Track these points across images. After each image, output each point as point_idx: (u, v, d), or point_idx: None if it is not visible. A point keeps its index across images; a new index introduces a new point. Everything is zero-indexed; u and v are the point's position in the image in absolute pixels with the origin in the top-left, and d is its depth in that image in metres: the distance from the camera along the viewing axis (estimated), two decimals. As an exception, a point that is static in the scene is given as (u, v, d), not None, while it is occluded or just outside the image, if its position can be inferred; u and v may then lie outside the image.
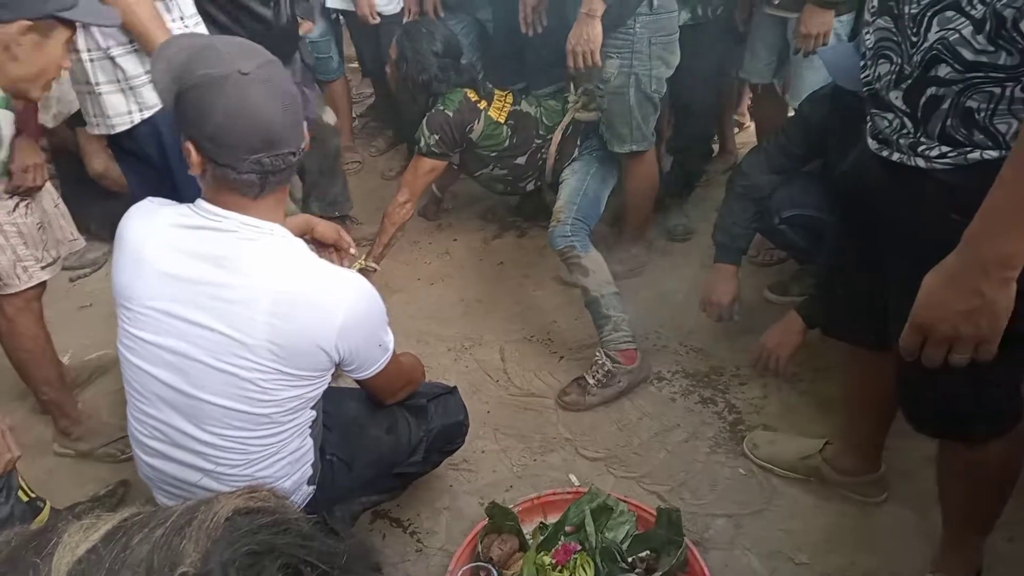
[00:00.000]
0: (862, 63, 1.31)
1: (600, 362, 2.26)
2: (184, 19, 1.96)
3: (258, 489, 0.50)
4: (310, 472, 1.51)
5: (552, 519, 1.75)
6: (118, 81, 1.90)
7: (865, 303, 1.49)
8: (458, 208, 3.38)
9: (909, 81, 1.18)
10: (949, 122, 1.15)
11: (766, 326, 2.24)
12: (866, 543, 1.79)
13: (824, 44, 2.38)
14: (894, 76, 1.20)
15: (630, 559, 1.65)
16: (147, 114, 1.93)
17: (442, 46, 2.64)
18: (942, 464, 1.51)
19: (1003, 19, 1.04)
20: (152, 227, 1.33)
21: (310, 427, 1.47)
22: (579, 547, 1.63)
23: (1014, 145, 1.00)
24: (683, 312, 2.60)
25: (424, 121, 2.63)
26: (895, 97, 1.21)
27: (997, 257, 1.00)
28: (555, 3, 2.67)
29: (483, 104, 2.65)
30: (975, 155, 1.14)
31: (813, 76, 2.39)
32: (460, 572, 1.65)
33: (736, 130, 3.58)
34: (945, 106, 1.14)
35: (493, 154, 2.70)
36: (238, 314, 1.26)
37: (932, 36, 1.12)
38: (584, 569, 1.59)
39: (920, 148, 1.20)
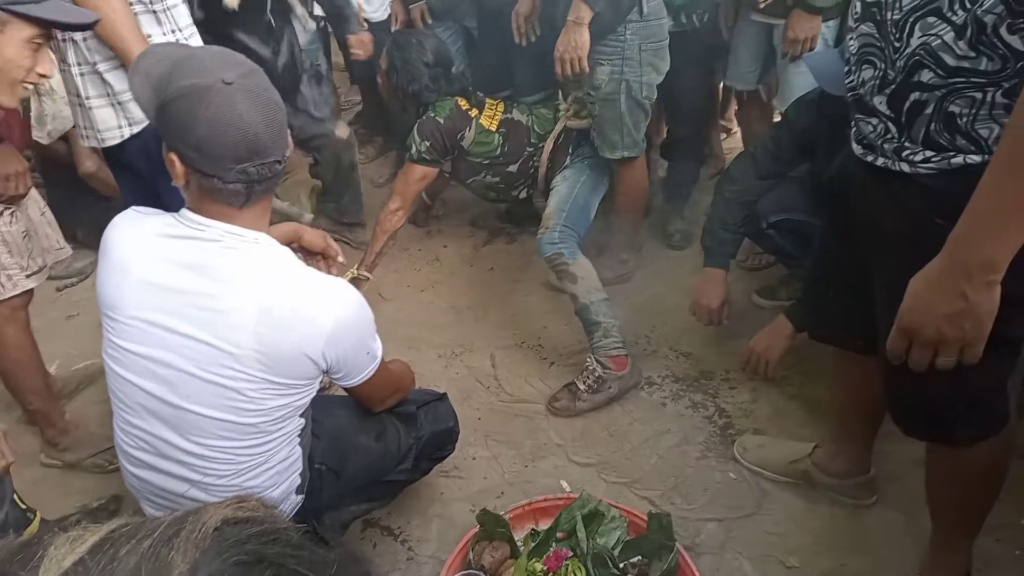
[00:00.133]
0: (846, 68, 1.32)
1: (591, 368, 2.26)
2: (176, 32, 1.93)
3: (247, 499, 0.50)
4: (299, 481, 1.50)
5: (543, 525, 1.75)
6: (108, 96, 1.88)
7: (852, 307, 1.50)
8: (448, 215, 3.38)
9: (893, 86, 1.19)
10: (933, 127, 1.16)
11: (755, 330, 2.25)
12: (856, 546, 1.80)
13: (811, 49, 2.40)
14: (878, 81, 1.22)
15: (622, 564, 1.65)
16: (136, 129, 1.91)
17: (432, 56, 2.65)
18: (930, 467, 1.52)
19: (983, 25, 1.05)
20: (137, 237, 1.32)
21: (298, 436, 1.46)
22: (570, 553, 1.63)
23: (996, 149, 1.01)
24: (673, 317, 2.60)
25: (415, 128, 2.63)
26: (879, 102, 1.22)
27: (980, 261, 1.01)
28: (543, 11, 2.69)
29: (474, 112, 2.66)
30: (958, 160, 1.15)
31: (801, 81, 2.41)
32: (451, 580, 1.64)
33: (723, 136, 3.60)
34: (928, 111, 1.15)
35: (485, 162, 2.70)
36: (223, 324, 1.25)
37: (915, 42, 1.13)
38: (576, 575, 1.59)
39: (904, 153, 1.21)
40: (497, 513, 1.74)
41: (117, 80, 1.86)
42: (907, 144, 1.20)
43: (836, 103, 1.88)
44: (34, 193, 2.08)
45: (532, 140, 2.69)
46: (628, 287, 2.81)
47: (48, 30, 1.56)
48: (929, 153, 1.18)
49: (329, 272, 1.69)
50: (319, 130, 2.94)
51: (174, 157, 1.23)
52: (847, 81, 1.31)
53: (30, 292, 1.99)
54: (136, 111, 1.89)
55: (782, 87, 2.64)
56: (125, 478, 1.49)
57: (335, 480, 1.60)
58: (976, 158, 1.13)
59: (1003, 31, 1.05)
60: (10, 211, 1.91)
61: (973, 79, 1.09)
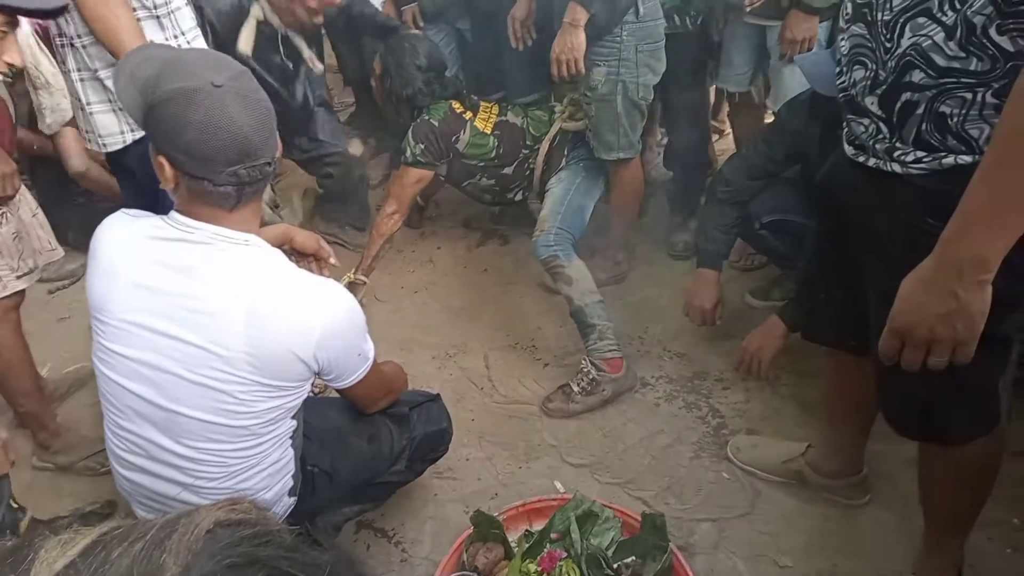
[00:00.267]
0: (838, 69, 1.32)
1: (585, 370, 2.26)
2: (180, 36, 1.91)
3: (239, 501, 0.50)
4: (291, 483, 1.50)
5: (538, 526, 1.75)
6: (110, 101, 1.86)
7: (845, 307, 1.50)
8: (441, 216, 3.38)
9: (884, 87, 1.19)
10: (924, 127, 1.16)
11: (748, 330, 2.26)
12: (849, 545, 1.80)
13: (810, 50, 2.40)
14: (869, 82, 1.22)
15: (615, 565, 1.65)
16: (139, 135, 1.89)
17: (426, 60, 2.65)
18: (923, 466, 1.53)
19: (973, 26, 1.06)
20: (126, 239, 1.32)
21: (290, 438, 1.46)
22: (564, 554, 1.63)
23: (986, 150, 1.01)
24: (666, 317, 2.61)
25: (410, 131, 2.64)
26: (870, 103, 1.23)
27: (971, 260, 1.01)
28: (538, 13, 2.69)
29: (468, 115, 2.66)
30: (949, 160, 1.15)
31: (794, 82, 2.41)
32: (446, 581, 1.64)
33: (715, 137, 3.61)
34: (920, 111, 1.16)
35: (480, 164, 2.70)
36: (213, 326, 1.25)
37: (905, 42, 1.14)
38: (570, 576, 1.59)
39: (896, 153, 1.21)
40: (491, 514, 1.74)
41: None
42: (898, 144, 1.21)
43: (828, 104, 1.89)
44: (26, 194, 2.07)
45: (527, 142, 2.69)
46: (622, 288, 2.81)
47: (12, 16, 1.53)
48: (920, 153, 1.18)
49: (321, 274, 1.69)
50: (335, 149, 3.04)
51: (163, 160, 1.22)
52: (838, 82, 1.31)
53: (21, 294, 1.98)
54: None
55: (775, 88, 2.65)
56: (116, 481, 1.49)
57: (328, 482, 1.59)
58: (967, 158, 1.13)
59: (992, 32, 1.05)
60: (0, 212, 1.90)
61: (963, 79, 1.10)
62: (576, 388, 2.25)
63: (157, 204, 1.57)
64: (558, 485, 2.02)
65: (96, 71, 1.83)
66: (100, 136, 1.91)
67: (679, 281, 2.74)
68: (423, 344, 2.61)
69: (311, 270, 1.70)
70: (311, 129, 2.98)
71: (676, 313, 2.46)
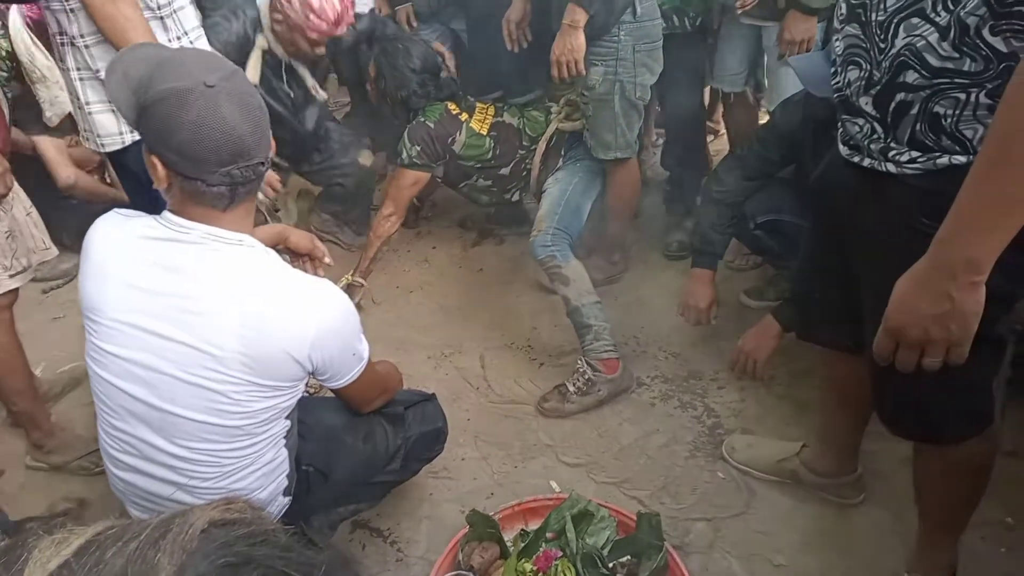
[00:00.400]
0: (832, 69, 1.33)
1: (581, 370, 2.26)
2: (183, 36, 1.91)
3: (234, 500, 0.50)
4: (285, 483, 1.50)
5: (533, 526, 1.75)
6: (108, 102, 1.86)
7: (839, 307, 1.51)
8: (437, 216, 3.38)
9: (878, 87, 1.20)
10: (918, 127, 1.17)
11: (743, 330, 2.26)
12: (843, 544, 1.81)
13: (808, 50, 2.40)
14: (863, 82, 1.22)
15: (611, 564, 1.65)
16: (138, 136, 1.89)
17: (420, 62, 2.65)
18: (917, 465, 1.53)
19: (966, 27, 1.06)
20: (118, 239, 1.31)
21: (284, 437, 1.45)
22: (560, 553, 1.63)
23: (979, 150, 1.02)
24: (661, 317, 2.61)
25: (405, 133, 2.64)
26: (865, 103, 1.23)
27: (964, 262, 1.02)
28: (533, 14, 2.69)
29: (464, 116, 2.66)
30: (944, 160, 1.16)
31: (793, 82, 2.41)
32: (441, 581, 1.64)
33: (710, 138, 3.62)
34: (914, 111, 1.16)
35: (477, 166, 2.71)
36: (206, 326, 1.25)
37: (899, 42, 1.14)
38: (565, 575, 1.59)
39: (890, 153, 1.22)
40: (486, 514, 1.74)
41: None
42: (893, 144, 1.21)
43: (822, 105, 1.89)
44: (20, 193, 2.06)
45: (524, 143, 2.69)
46: (617, 288, 2.81)
47: None
48: (915, 153, 1.18)
49: (316, 274, 1.69)
50: (346, 161, 3.08)
51: (155, 160, 1.22)
52: (833, 82, 1.32)
53: (14, 292, 1.97)
54: None
55: (772, 88, 2.65)
56: (110, 481, 1.48)
57: (323, 481, 1.59)
58: (961, 158, 1.14)
59: (986, 32, 1.06)
60: (-7, 211, 1.90)
61: (957, 80, 1.10)
62: (572, 388, 2.25)
63: (158, 203, 1.57)
64: (554, 485, 2.03)
65: (97, 71, 1.82)
66: (99, 136, 1.90)
67: (674, 281, 2.75)
68: (419, 344, 2.60)
69: (306, 270, 1.70)
70: (322, 146, 3.03)
71: (671, 313, 2.47)
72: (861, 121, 1.25)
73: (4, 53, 2.62)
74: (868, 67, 1.21)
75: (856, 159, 1.29)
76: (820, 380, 1.91)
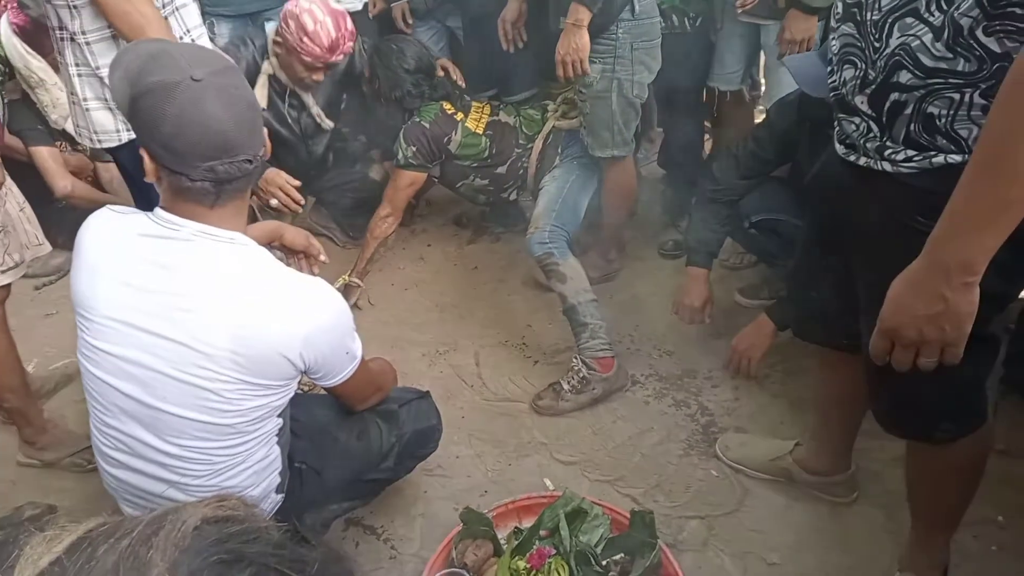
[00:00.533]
0: (829, 68, 1.33)
1: (576, 368, 2.26)
2: (186, 34, 1.90)
3: (227, 497, 0.50)
4: (278, 480, 1.49)
5: (527, 523, 1.75)
6: (105, 99, 1.86)
7: (836, 306, 1.51)
8: (432, 214, 3.37)
9: (873, 86, 1.20)
10: (913, 127, 1.17)
11: (737, 329, 2.27)
12: (836, 543, 1.81)
13: (809, 49, 2.41)
14: (858, 81, 1.23)
15: (604, 562, 1.65)
16: (133, 134, 1.89)
17: (414, 62, 2.65)
18: (910, 464, 1.54)
19: (960, 27, 1.06)
20: (110, 236, 1.31)
21: (276, 435, 1.45)
22: (553, 551, 1.63)
23: (973, 152, 1.02)
24: (656, 316, 2.61)
25: (401, 134, 2.64)
26: (860, 102, 1.23)
27: (958, 262, 1.02)
28: (529, 12, 2.68)
29: (460, 116, 2.67)
30: (939, 159, 1.16)
31: (792, 81, 2.41)
32: (434, 578, 1.64)
33: (707, 137, 3.62)
34: (908, 111, 1.16)
35: (473, 165, 2.71)
36: (197, 324, 1.24)
37: (894, 42, 1.14)
38: (559, 573, 1.59)
39: (886, 152, 1.22)
40: (480, 511, 1.74)
41: None
42: (889, 143, 1.21)
43: (816, 104, 1.90)
44: (13, 188, 2.05)
45: (520, 141, 2.69)
46: (613, 286, 2.82)
47: None
48: (911, 152, 1.19)
49: (311, 271, 1.68)
50: (355, 177, 3.10)
51: (144, 153, 1.22)
52: (830, 81, 1.32)
53: (7, 288, 1.97)
54: None
55: (771, 87, 2.65)
56: (103, 478, 1.48)
57: (316, 479, 1.59)
58: (957, 158, 1.14)
59: (979, 33, 1.06)
60: (-14, 206, 1.89)
61: (951, 80, 1.10)
62: (566, 386, 2.25)
63: (155, 201, 1.57)
64: (548, 482, 2.03)
65: (97, 68, 1.81)
66: (95, 132, 1.90)
67: (669, 279, 2.75)
68: (413, 341, 2.60)
69: (301, 268, 1.70)
70: (331, 169, 3.05)
71: (666, 311, 2.47)
72: (857, 120, 1.26)
73: None
74: (863, 66, 1.21)
75: (852, 158, 1.29)
76: (815, 378, 1.91)
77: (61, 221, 2.83)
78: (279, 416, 1.43)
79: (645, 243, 3.05)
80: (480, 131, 2.66)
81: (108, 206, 1.37)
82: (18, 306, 2.79)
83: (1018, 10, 1.02)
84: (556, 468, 2.08)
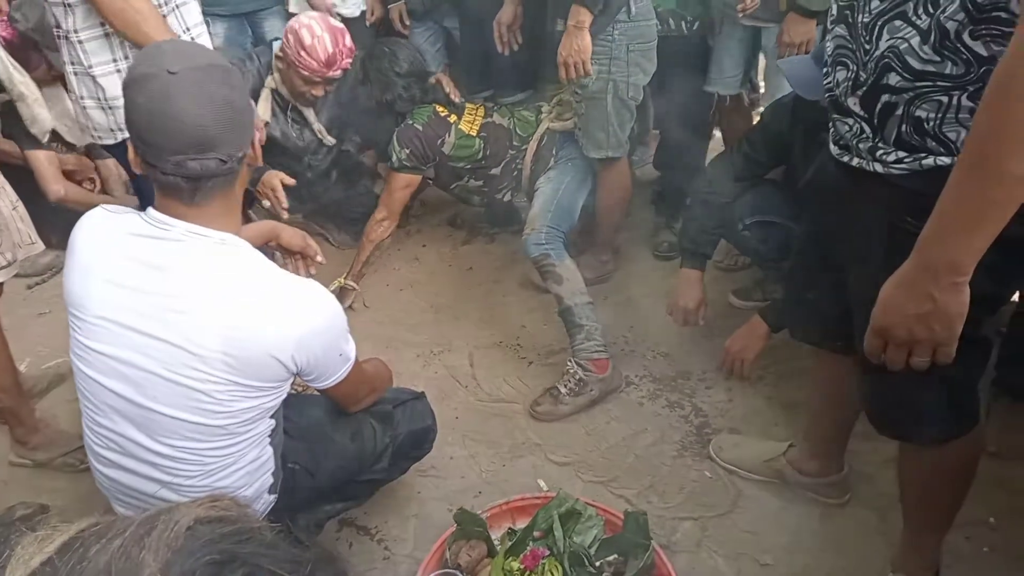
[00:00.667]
0: (825, 70, 1.33)
1: (572, 371, 2.26)
2: (186, 32, 1.90)
3: (220, 498, 0.50)
4: (271, 481, 1.49)
5: (521, 524, 1.75)
6: (98, 99, 1.86)
7: (831, 307, 1.51)
8: (427, 214, 3.37)
9: (864, 88, 1.21)
10: (903, 128, 1.18)
11: (731, 331, 2.27)
12: (829, 544, 1.82)
13: (807, 52, 2.41)
14: (850, 83, 1.24)
15: (598, 563, 1.65)
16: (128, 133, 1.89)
17: (406, 66, 2.66)
18: (902, 465, 1.54)
19: (946, 31, 1.07)
20: (103, 236, 1.30)
21: (269, 436, 1.44)
22: (547, 552, 1.63)
23: (960, 152, 1.03)
24: (650, 317, 2.62)
25: (394, 136, 2.65)
26: (853, 103, 1.24)
27: (946, 263, 1.03)
28: (525, 14, 2.68)
29: (453, 118, 2.67)
30: (929, 161, 1.17)
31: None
32: (428, 579, 1.64)
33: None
34: (899, 112, 1.17)
35: (467, 167, 2.71)
36: (188, 325, 1.23)
37: (882, 44, 1.15)
38: (552, 574, 1.59)
39: (878, 153, 1.23)
40: (474, 512, 1.74)
41: (111, 85, 1.83)
42: (880, 144, 1.22)
43: (810, 107, 1.90)
44: (6, 187, 2.04)
45: (514, 143, 2.70)
46: (607, 287, 2.82)
47: None
48: (901, 154, 1.19)
49: (308, 272, 1.68)
50: (362, 191, 3.11)
51: (129, 144, 1.23)
52: (825, 82, 1.33)
53: (-1, 287, 1.96)
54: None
55: (771, 90, 2.66)
56: (95, 478, 1.47)
57: (309, 480, 1.58)
58: (947, 160, 1.14)
59: (965, 37, 1.06)
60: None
61: (939, 83, 1.11)
62: (564, 390, 2.25)
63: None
64: (541, 483, 2.03)
65: (90, 67, 1.82)
66: (94, 129, 1.92)
67: (664, 281, 2.75)
68: (408, 342, 2.60)
69: (298, 268, 1.70)
70: (333, 187, 3.05)
71: (660, 313, 2.47)
72: (851, 121, 1.26)
73: None
74: (855, 68, 1.22)
75: (845, 159, 1.30)
76: (810, 379, 1.92)
77: (54, 220, 2.82)
78: (271, 417, 1.42)
79: (640, 245, 3.05)
80: (474, 133, 2.67)
81: (102, 206, 1.37)
82: (11, 305, 2.78)
83: (1003, 14, 1.02)
84: (550, 469, 2.08)
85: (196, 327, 1.23)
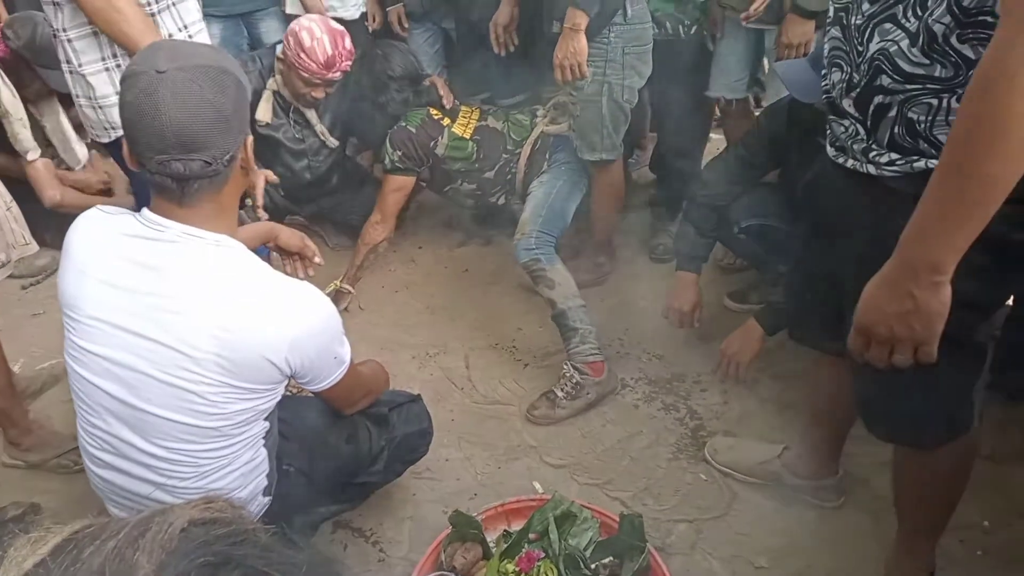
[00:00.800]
0: (823, 72, 1.34)
1: (568, 375, 2.26)
2: (182, 30, 1.89)
3: (214, 499, 0.49)
4: (265, 483, 1.48)
5: (516, 527, 1.75)
6: (90, 98, 1.86)
7: (829, 310, 1.52)
8: (423, 216, 3.37)
9: (858, 89, 1.21)
10: (896, 130, 1.18)
11: (726, 333, 2.28)
12: (824, 546, 1.82)
13: (805, 54, 2.42)
14: (845, 84, 1.24)
15: (593, 565, 1.65)
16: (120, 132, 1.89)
17: (399, 70, 2.66)
18: (896, 469, 1.55)
19: (934, 34, 1.08)
20: (98, 237, 1.30)
21: (263, 438, 1.44)
22: (543, 554, 1.63)
23: (941, 153, 1.03)
24: (646, 320, 2.62)
25: (387, 139, 2.65)
26: (847, 104, 1.25)
27: (926, 262, 1.04)
28: (521, 18, 2.69)
29: (446, 121, 2.68)
30: (920, 164, 1.17)
31: None
32: (423, 581, 1.63)
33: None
34: (892, 114, 1.18)
35: (460, 169, 2.72)
36: (182, 326, 1.23)
37: (873, 47, 1.16)
38: (547, 576, 1.59)
39: (871, 154, 1.23)
40: (470, 514, 1.73)
41: (101, 84, 1.83)
42: (874, 146, 1.23)
43: (807, 110, 1.91)
44: (0, 188, 2.04)
45: (508, 147, 2.70)
46: (602, 289, 2.82)
47: None
48: (894, 156, 1.20)
49: (306, 273, 1.68)
50: (365, 196, 3.07)
51: (124, 141, 1.23)
52: (823, 84, 1.33)
53: (-7, 288, 1.95)
54: (116, 116, 1.86)
55: (772, 91, 2.66)
56: (90, 479, 1.47)
57: (305, 482, 1.58)
58: (937, 163, 1.15)
59: (953, 40, 1.07)
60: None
61: (929, 85, 1.12)
62: (560, 393, 2.25)
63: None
64: (537, 486, 2.03)
65: (80, 66, 1.81)
66: (92, 127, 1.92)
67: (659, 284, 2.75)
68: (404, 344, 2.60)
69: (296, 269, 1.69)
70: (333, 191, 3.04)
71: (656, 315, 2.48)
72: (847, 122, 1.27)
73: None
74: (849, 69, 1.23)
75: (841, 160, 1.31)
76: (808, 382, 1.92)
77: (49, 221, 2.82)
78: (266, 419, 1.42)
79: (635, 248, 3.06)
80: (467, 136, 2.67)
81: (97, 206, 1.36)
82: (5, 306, 2.77)
83: (989, 18, 1.03)
84: (546, 471, 2.08)
85: (190, 328, 1.23)
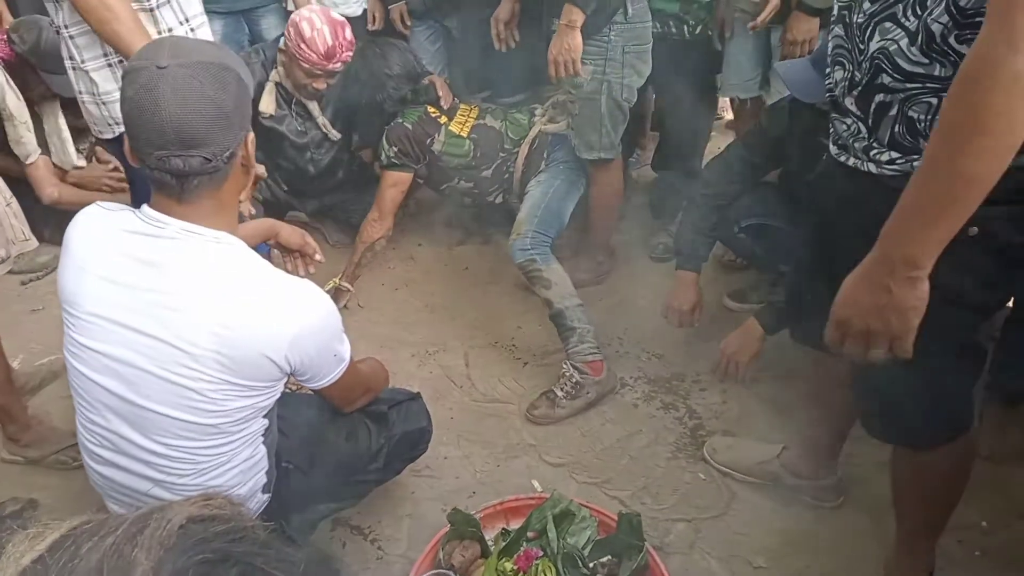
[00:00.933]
0: (827, 70, 1.34)
1: (567, 374, 2.26)
2: (184, 23, 1.89)
3: (213, 496, 0.49)
4: (264, 480, 1.48)
5: (514, 525, 1.75)
6: (93, 95, 1.86)
7: (830, 309, 1.52)
8: (423, 213, 3.37)
9: (860, 88, 1.22)
10: (897, 129, 1.19)
11: (726, 333, 2.28)
12: (822, 546, 1.82)
13: (810, 51, 2.42)
14: (847, 82, 1.24)
15: (591, 564, 1.65)
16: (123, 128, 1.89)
17: (397, 67, 2.66)
18: (895, 469, 1.55)
19: (932, 33, 1.08)
20: (98, 233, 1.30)
21: (262, 436, 1.43)
22: (541, 553, 1.63)
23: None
24: (645, 319, 2.62)
25: (384, 135, 2.65)
26: (849, 103, 1.25)
27: (903, 257, 1.04)
28: (523, 14, 2.68)
29: (444, 119, 2.68)
30: (920, 163, 1.17)
31: None
32: (421, 579, 1.64)
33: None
34: (893, 112, 1.18)
35: (458, 167, 2.71)
36: (181, 323, 1.23)
37: (874, 45, 1.16)
38: (546, 575, 1.59)
39: (872, 153, 1.23)
40: (468, 512, 1.74)
41: (104, 80, 1.83)
42: (875, 144, 1.23)
43: (807, 110, 1.91)
44: (0, 184, 2.04)
45: (506, 146, 2.70)
46: (601, 289, 2.82)
47: None
48: (894, 154, 1.20)
49: (307, 270, 1.68)
50: (367, 199, 3.06)
51: (125, 137, 1.23)
52: (827, 82, 1.33)
53: (-8, 284, 1.95)
54: (119, 112, 1.86)
55: (776, 88, 2.66)
56: (88, 475, 1.47)
57: (303, 479, 1.58)
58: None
59: (952, 40, 1.08)
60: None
61: (929, 84, 1.12)
62: (560, 393, 2.24)
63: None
64: (536, 484, 2.03)
65: (83, 62, 1.81)
66: (95, 123, 1.92)
67: (659, 283, 2.75)
68: (403, 341, 2.60)
69: (296, 266, 1.69)
70: (335, 187, 3.04)
71: (655, 315, 2.48)
72: (849, 121, 1.27)
73: None
74: (850, 68, 1.23)
75: (843, 158, 1.31)
76: (808, 381, 1.92)
77: (48, 217, 2.82)
78: (265, 416, 1.42)
79: (635, 247, 3.05)
80: (464, 134, 2.67)
81: (97, 203, 1.36)
82: (4, 301, 2.77)
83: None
84: (544, 470, 2.08)
85: (189, 325, 1.23)
